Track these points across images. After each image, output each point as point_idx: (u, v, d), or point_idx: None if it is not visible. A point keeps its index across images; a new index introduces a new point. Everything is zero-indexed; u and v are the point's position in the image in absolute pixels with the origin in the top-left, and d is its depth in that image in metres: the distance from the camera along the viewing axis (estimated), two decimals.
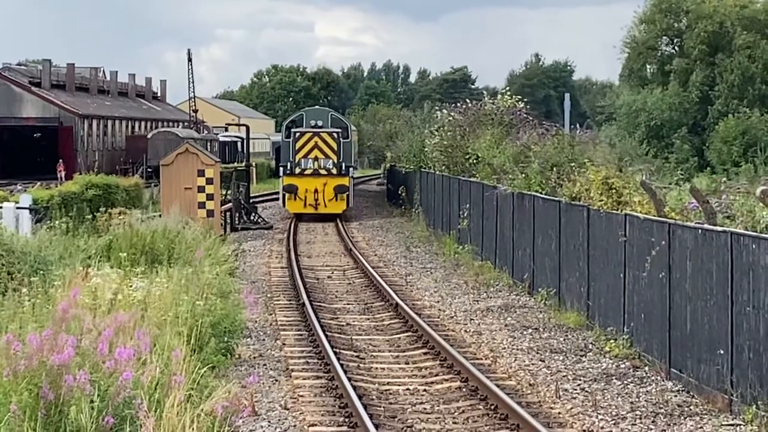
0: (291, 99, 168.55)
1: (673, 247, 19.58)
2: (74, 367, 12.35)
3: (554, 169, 28.98)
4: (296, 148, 54.45)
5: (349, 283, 32.60)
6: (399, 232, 47.88)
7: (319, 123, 56.66)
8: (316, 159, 54.18)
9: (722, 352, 17.48)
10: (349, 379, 18.89)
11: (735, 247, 17.18)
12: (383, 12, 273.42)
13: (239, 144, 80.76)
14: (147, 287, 20.59)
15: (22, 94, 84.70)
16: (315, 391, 18.85)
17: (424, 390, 19.15)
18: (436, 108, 59.67)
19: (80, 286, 19.64)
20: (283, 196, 55.07)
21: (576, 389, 18.96)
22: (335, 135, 55.35)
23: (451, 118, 46.72)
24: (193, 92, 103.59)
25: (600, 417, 17.10)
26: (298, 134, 55.23)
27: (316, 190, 54.03)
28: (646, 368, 20.34)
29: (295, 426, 16.48)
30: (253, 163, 60.80)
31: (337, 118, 60.20)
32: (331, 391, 18.76)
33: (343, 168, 55.05)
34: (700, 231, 18.57)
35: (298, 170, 54.15)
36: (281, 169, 56.33)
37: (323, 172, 54.21)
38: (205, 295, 21.52)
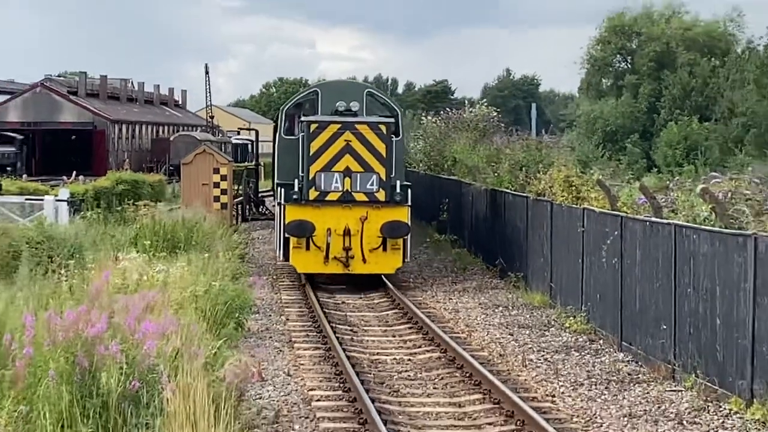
0: None
1: (624, 237, 19.61)
2: (107, 338, 12.36)
3: (523, 169, 29.03)
4: (311, 152, 26.41)
5: None
6: None
7: (353, 107, 27.48)
8: (348, 173, 26.39)
9: (665, 327, 17.52)
10: (344, 350, 18.87)
11: (678, 238, 17.21)
12: (378, 32, 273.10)
13: (249, 146, 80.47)
14: (168, 270, 20.58)
15: (61, 102, 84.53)
16: (314, 359, 18.84)
17: (409, 359, 19.15)
18: (423, 115, 56.81)
19: (111, 268, 19.64)
20: (286, 242, 26.88)
21: (540, 359, 18.97)
22: (382, 129, 26.72)
23: (435, 124, 46.80)
24: (210, 101, 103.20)
25: (560, 383, 17.13)
26: (314, 127, 26.58)
27: (347, 231, 26.43)
28: (601, 341, 20.36)
29: (297, 390, 16.47)
30: (262, 163, 60.33)
31: (379, 100, 30.62)
32: (328, 360, 18.73)
33: (398, 190, 26.74)
34: (648, 223, 18.60)
35: (313, 194, 26.42)
36: (280, 191, 27.82)
37: (361, 197, 26.53)
38: (219, 276, 21.50)
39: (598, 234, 21.06)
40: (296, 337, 20.86)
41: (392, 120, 27.81)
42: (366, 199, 26.50)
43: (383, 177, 26.48)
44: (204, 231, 29.34)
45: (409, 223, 26.94)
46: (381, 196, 26.54)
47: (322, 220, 26.37)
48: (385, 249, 26.62)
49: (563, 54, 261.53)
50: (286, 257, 27.16)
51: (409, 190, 27.16)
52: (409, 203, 26.95)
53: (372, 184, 26.48)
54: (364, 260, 26.59)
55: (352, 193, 26.47)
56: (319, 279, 27.49)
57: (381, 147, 26.53)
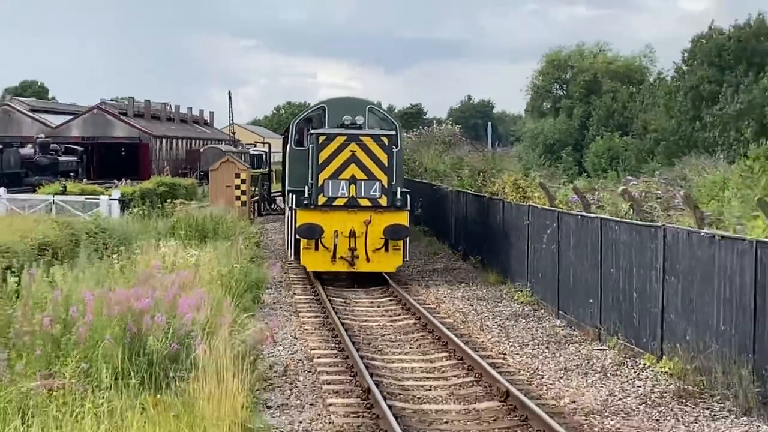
0: None
1: (561, 227, 19.67)
2: (152, 309, 12.40)
3: (480, 174, 29.07)
4: (320, 161, 23.97)
5: None
6: None
7: (358, 121, 25.05)
8: (353, 181, 23.96)
9: (592, 300, 17.61)
10: (339, 318, 18.90)
11: (603, 228, 17.29)
12: (366, 65, 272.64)
13: (264, 156, 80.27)
14: (199, 254, 20.56)
15: (113, 121, 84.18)
16: (315, 326, 18.85)
17: (390, 325, 19.18)
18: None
19: (154, 254, 19.62)
20: (296, 243, 24.50)
21: (494, 325, 19.03)
22: (384, 141, 24.12)
23: (410, 138, 46.98)
24: (232, 120, 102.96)
25: (510, 344, 17.19)
26: (322, 139, 24.09)
27: (352, 233, 23.97)
28: (542, 311, 20.43)
29: (301, 350, 16.49)
30: (273, 169, 60.29)
31: (378, 115, 27.21)
32: (327, 326, 18.75)
33: (398, 196, 24.19)
34: (579, 217, 18.67)
35: (322, 200, 23.95)
36: (290, 196, 25.17)
37: (365, 203, 24.04)
38: (239, 260, 21.47)
39: (540, 226, 21.13)
40: (301, 308, 20.86)
41: (393, 132, 25.12)
42: (370, 204, 23.95)
43: (385, 184, 23.90)
44: (227, 223, 29.31)
45: (408, 226, 24.34)
46: (383, 201, 23.95)
47: (330, 223, 23.86)
48: (386, 249, 24.04)
49: (512, 83, 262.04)
50: (297, 257, 24.68)
51: (408, 197, 24.51)
52: (409, 208, 24.32)
53: (375, 191, 23.88)
54: (367, 260, 23.99)
55: (357, 198, 23.94)
56: (325, 276, 25.67)
57: (383, 157, 23.94)
